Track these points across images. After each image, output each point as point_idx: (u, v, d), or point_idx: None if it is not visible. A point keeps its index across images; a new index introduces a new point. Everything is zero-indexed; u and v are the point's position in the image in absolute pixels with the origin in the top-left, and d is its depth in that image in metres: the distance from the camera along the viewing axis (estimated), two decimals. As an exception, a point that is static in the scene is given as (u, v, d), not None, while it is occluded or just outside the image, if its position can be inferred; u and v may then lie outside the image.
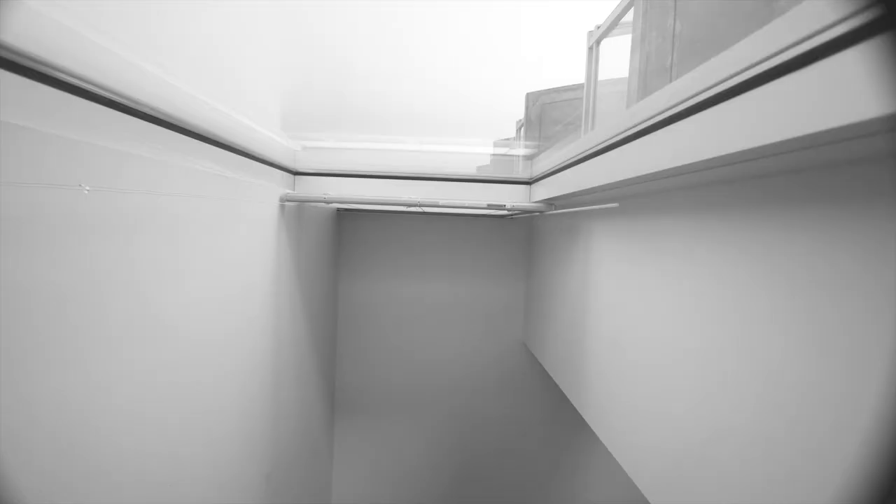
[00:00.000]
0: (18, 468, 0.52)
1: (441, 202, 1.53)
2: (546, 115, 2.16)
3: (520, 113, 2.33)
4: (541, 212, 1.57)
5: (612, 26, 1.57)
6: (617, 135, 0.86)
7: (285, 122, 1.70)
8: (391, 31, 2.67)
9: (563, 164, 1.27)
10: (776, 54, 0.44)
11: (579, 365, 1.37)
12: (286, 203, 1.47)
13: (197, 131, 0.93)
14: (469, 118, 2.60)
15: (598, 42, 1.68)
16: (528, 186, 1.73)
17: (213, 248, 1.01)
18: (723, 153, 0.54)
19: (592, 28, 1.71)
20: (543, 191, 1.53)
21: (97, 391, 0.66)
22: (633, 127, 0.78)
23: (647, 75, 1.15)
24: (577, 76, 1.77)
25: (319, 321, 2.08)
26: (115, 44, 0.67)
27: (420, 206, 1.51)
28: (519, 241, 2.48)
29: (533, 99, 2.23)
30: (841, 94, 0.37)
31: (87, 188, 0.62)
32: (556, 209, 1.51)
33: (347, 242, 2.45)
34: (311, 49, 2.48)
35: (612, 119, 0.92)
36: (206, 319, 0.99)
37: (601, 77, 1.70)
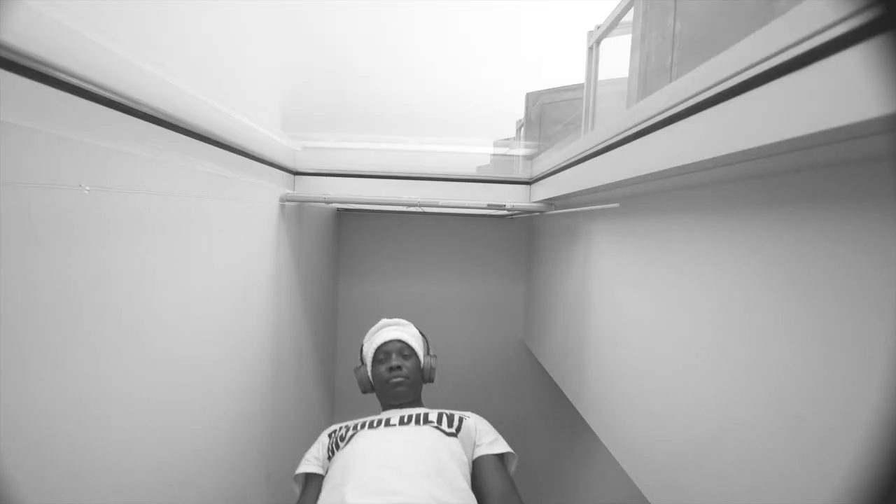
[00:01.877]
0: (17, 468, 0.52)
1: (441, 202, 1.53)
2: (546, 115, 2.17)
3: (520, 113, 2.33)
4: (541, 212, 1.57)
5: (612, 26, 1.58)
6: (617, 135, 0.86)
7: (285, 122, 1.71)
8: (391, 31, 2.67)
9: (563, 164, 1.27)
10: (776, 54, 0.44)
11: (579, 364, 1.37)
12: (286, 203, 1.47)
13: (197, 131, 0.93)
14: (469, 118, 2.60)
15: (598, 42, 1.69)
16: (528, 186, 1.73)
17: (213, 248, 1.01)
18: (723, 153, 0.54)
19: (592, 28, 1.72)
20: (543, 191, 1.53)
21: (97, 391, 0.66)
22: (633, 127, 0.78)
23: (647, 75, 1.15)
24: (577, 76, 1.77)
25: (319, 321, 2.09)
26: (116, 44, 0.67)
27: (420, 206, 1.51)
28: (519, 241, 2.48)
29: (533, 99, 2.23)
30: (841, 94, 0.37)
31: (88, 188, 0.62)
32: (555, 209, 1.51)
33: (347, 242, 2.45)
34: (311, 49, 2.48)
35: (612, 119, 0.92)
36: (206, 319, 0.99)
37: (601, 77, 1.71)
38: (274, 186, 1.44)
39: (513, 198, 1.70)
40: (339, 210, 2.34)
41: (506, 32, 2.70)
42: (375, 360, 1.33)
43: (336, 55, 2.59)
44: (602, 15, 1.61)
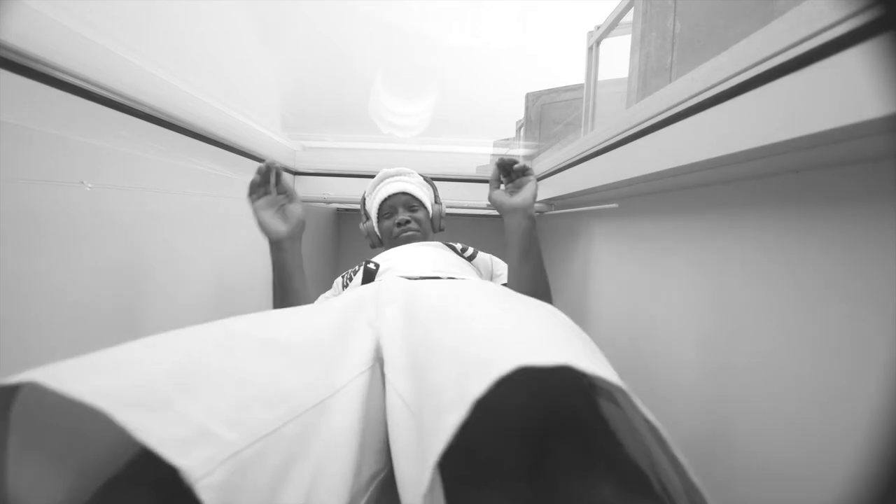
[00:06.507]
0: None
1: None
2: (546, 115, 2.17)
3: (520, 113, 2.34)
4: (540, 212, 1.57)
5: (612, 26, 1.58)
6: (617, 135, 0.86)
7: (285, 122, 1.71)
8: (391, 31, 2.67)
9: (563, 165, 1.27)
10: (776, 54, 0.44)
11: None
12: (286, 203, 1.47)
13: (197, 131, 0.93)
14: (469, 118, 2.60)
15: (598, 42, 1.69)
16: (527, 186, 1.73)
17: (212, 248, 1.01)
18: (723, 153, 0.54)
19: (592, 28, 1.72)
20: (543, 191, 1.53)
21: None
22: (633, 127, 0.78)
23: (647, 75, 1.15)
24: (577, 76, 1.77)
25: (319, 321, 2.08)
26: (116, 44, 0.67)
27: (420, 205, 1.51)
28: (519, 241, 2.48)
29: (533, 99, 2.23)
30: (841, 94, 0.37)
31: (90, 185, 0.62)
32: (555, 209, 1.51)
33: (347, 242, 2.45)
34: (311, 49, 2.48)
35: (612, 119, 0.92)
36: (205, 319, 0.99)
37: (601, 77, 1.71)
38: (274, 186, 1.44)
39: (513, 198, 1.69)
40: (338, 210, 2.34)
41: (506, 32, 2.70)
42: (381, 215, 1.24)
43: (336, 55, 2.59)
44: (602, 15, 1.61)
